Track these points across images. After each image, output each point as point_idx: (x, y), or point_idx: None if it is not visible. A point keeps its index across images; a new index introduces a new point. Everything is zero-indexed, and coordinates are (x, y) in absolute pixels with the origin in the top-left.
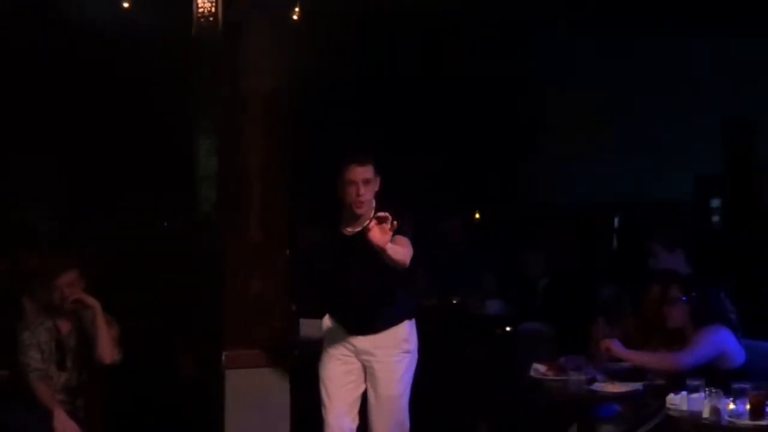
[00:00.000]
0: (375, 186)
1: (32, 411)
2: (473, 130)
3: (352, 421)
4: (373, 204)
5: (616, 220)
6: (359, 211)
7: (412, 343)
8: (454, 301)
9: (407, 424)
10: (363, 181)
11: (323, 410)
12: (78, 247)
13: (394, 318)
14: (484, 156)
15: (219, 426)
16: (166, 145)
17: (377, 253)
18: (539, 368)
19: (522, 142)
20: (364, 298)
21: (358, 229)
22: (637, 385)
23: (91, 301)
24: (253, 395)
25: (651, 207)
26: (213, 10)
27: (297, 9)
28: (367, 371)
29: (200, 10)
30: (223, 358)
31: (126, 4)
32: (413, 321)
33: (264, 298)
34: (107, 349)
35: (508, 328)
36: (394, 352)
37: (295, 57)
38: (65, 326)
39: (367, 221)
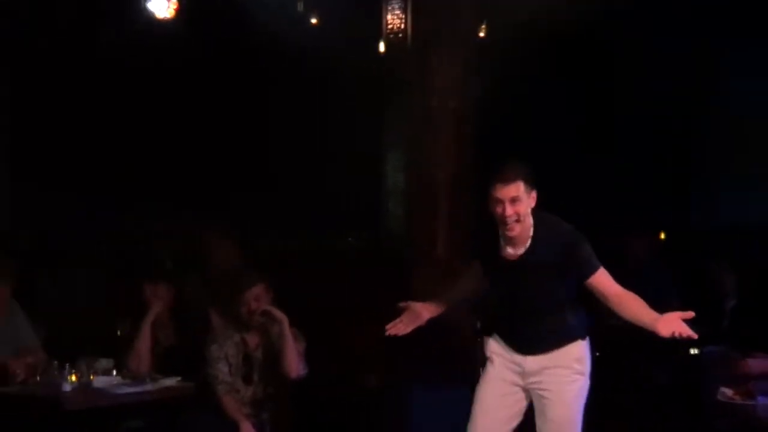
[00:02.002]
0: (529, 203)
1: (219, 423)
2: (660, 150)
3: None
4: (531, 221)
5: None
6: (510, 234)
7: (586, 365)
8: None
9: None
10: (510, 200)
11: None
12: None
13: (565, 337)
14: (671, 176)
15: None
16: (352, 160)
17: (542, 275)
18: (726, 392)
19: (710, 161)
20: (533, 320)
21: (521, 251)
22: None
23: (278, 314)
24: (437, 411)
25: None
26: (402, 26)
27: (483, 26)
28: (534, 397)
29: (389, 26)
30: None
31: (314, 21)
32: (586, 341)
33: (450, 315)
34: (294, 364)
35: (693, 351)
36: (565, 372)
37: (482, 73)
38: (253, 340)
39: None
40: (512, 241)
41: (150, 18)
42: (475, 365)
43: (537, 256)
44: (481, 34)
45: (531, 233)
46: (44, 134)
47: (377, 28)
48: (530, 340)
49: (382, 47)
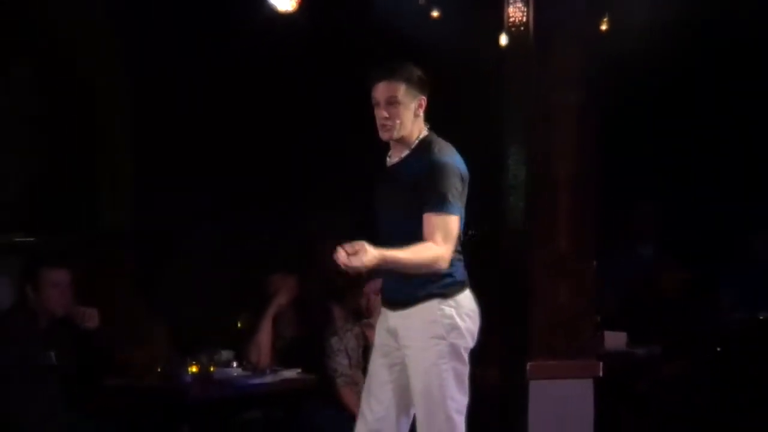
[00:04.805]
0: (413, 109)
1: (339, 416)
2: None
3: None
4: (420, 131)
5: None
6: (383, 137)
7: (443, 328)
8: (761, 317)
9: None
10: (385, 101)
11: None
12: None
13: (419, 290)
14: None
15: None
16: (474, 154)
17: (402, 191)
18: None
19: None
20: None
21: (395, 160)
22: None
23: None
24: (556, 406)
25: None
26: (524, 19)
27: (605, 19)
28: None
29: (511, 19)
30: (528, 368)
31: (435, 14)
32: (450, 302)
33: (569, 309)
34: None
35: None
36: (417, 335)
37: (605, 67)
38: (373, 333)
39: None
40: (394, 147)
41: (272, 11)
42: (595, 360)
43: (405, 168)
44: (603, 27)
45: (414, 145)
46: (167, 129)
47: (499, 21)
48: (389, 285)
49: (503, 40)
